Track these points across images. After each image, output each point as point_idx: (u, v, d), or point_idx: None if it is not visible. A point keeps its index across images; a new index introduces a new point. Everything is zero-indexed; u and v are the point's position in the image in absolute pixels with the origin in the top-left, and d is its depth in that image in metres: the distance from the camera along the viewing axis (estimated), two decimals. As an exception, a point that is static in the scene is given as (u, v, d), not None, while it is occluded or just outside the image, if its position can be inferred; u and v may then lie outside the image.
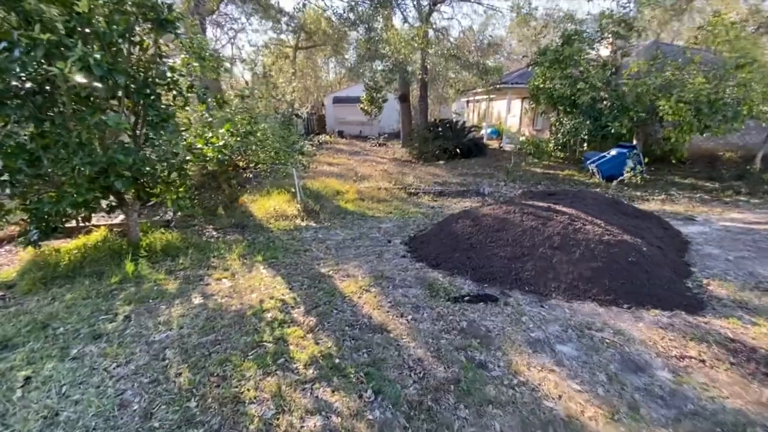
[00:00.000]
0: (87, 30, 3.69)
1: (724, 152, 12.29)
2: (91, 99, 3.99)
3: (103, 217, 5.79)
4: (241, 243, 5.37)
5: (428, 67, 15.38)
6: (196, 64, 4.96)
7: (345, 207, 7.52)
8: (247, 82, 19.25)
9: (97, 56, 3.44)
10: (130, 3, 3.97)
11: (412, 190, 9.14)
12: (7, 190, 3.97)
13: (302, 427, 2.22)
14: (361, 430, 2.19)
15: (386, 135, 23.39)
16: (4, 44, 3.32)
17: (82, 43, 3.43)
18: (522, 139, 14.15)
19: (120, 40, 3.99)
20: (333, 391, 2.49)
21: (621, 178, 9.55)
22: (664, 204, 7.83)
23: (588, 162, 10.79)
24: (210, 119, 6.13)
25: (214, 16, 16.23)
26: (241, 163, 7.00)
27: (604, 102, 10.83)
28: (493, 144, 17.96)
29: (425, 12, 15.02)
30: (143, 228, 5.49)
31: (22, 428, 2.21)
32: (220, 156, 5.62)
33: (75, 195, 3.99)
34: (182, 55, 5.00)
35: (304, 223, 6.45)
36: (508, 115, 19.42)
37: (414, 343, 3.02)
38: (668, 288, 3.80)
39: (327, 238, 5.73)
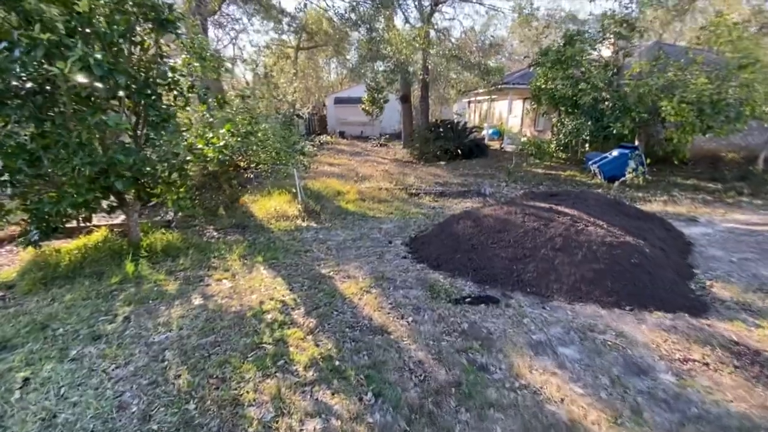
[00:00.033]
0: (87, 30, 3.69)
1: (726, 153, 12.23)
2: (92, 99, 3.98)
3: (104, 217, 5.78)
4: (241, 243, 5.35)
5: (429, 67, 15.37)
6: (196, 64, 4.96)
7: (346, 207, 7.50)
8: (247, 83, 19.25)
9: (98, 56, 3.44)
10: (130, 3, 3.96)
11: (413, 191, 9.11)
12: (8, 190, 3.97)
13: (302, 430, 2.20)
14: (361, 434, 2.17)
15: (387, 135, 23.38)
16: (4, 44, 3.32)
17: (83, 43, 3.42)
18: (523, 139, 14.13)
19: (121, 40, 3.98)
20: (333, 394, 2.47)
21: (623, 178, 9.51)
22: (666, 205, 7.79)
23: (590, 163, 10.75)
24: (211, 119, 6.12)
25: (216, 17, 16.24)
26: (242, 164, 6.99)
27: (606, 102, 10.79)
28: (495, 145, 17.93)
29: (427, 12, 15.01)
30: (144, 228, 5.48)
31: (19, 430, 2.20)
32: (220, 156, 5.61)
33: (75, 195, 3.98)
34: (183, 56, 4.99)
35: (304, 224, 6.43)
36: (509, 116, 19.37)
37: (415, 345, 2.99)
38: (671, 290, 3.77)
39: (328, 239, 5.71)
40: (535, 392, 2.49)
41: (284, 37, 23.12)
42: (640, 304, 3.59)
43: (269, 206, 7.04)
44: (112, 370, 2.72)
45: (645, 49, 12.02)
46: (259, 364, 2.75)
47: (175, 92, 4.79)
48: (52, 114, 3.84)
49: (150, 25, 4.27)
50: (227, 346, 2.97)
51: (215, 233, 5.97)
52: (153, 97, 4.43)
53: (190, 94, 5.02)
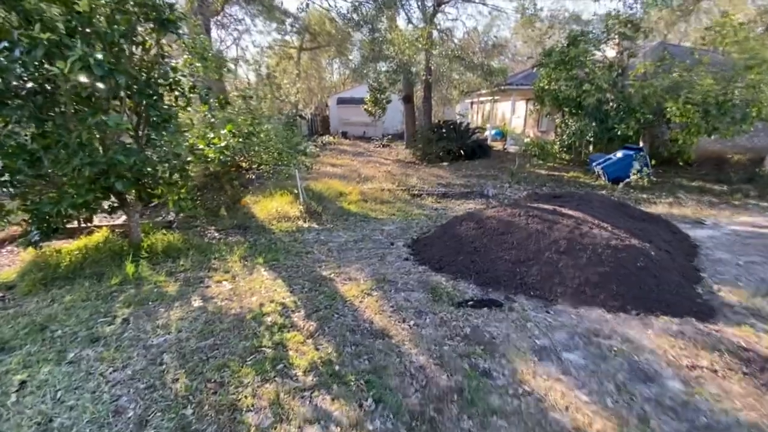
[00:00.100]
0: (88, 30, 3.66)
1: (732, 154, 12.10)
2: (93, 99, 3.97)
3: (105, 217, 5.78)
4: (242, 244, 5.32)
5: (432, 68, 15.32)
6: (198, 64, 4.93)
7: (348, 208, 7.46)
8: (249, 83, 19.28)
9: (99, 56, 3.41)
10: (131, 3, 3.94)
11: (416, 192, 9.06)
12: (9, 191, 3.95)
13: (300, 436, 2.16)
14: (361, 441, 2.13)
15: (390, 136, 23.32)
16: (4, 44, 3.30)
17: (84, 43, 3.40)
18: (527, 140, 14.05)
19: (122, 40, 3.96)
20: (333, 400, 2.42)
21: (627, 180, 9.43)
22: (671, 207, 7.70)
23: (594, 164, 10.67)
24: (212, 120, 6.11)
25: (219, 18, 16.27)
26: (243, 164, 6.97)
27: (611, 103, 10.71)
28: (498, 145, 17.84)
29: (429, 13, 14.97)
30: (145, 229, 5.46)
31: (15, 435, 2.17)
32: (222, 157, 5.58)
33: (75, 196, 3.96)
34: (185, 56, 4.97)
35: (306, 225, 6.40)
36: (512, 117, 19.30)
37: (416, 350, 2.95)
38: (678, 294, 3.71)
39: (329, 240, 5.67)
40: (539, 399, 2.44)
41: (287, 37, 23.17)
42: (646, 308, 3.53)
43: (271, 207, 7.01)
44: (110, 373, 2.68)
45: (649, 50, 11.93)
46: (258, 368, 2.71)
47: (177, 92, 4.77)
48: (53, 114, 3.83)
49: (151, 25, 4.25)
50: (226, 350, 2.94)
51: (216, 234, 5.94)
52: (154, 98, 4.41)
53: (191, 95, 4.99)
